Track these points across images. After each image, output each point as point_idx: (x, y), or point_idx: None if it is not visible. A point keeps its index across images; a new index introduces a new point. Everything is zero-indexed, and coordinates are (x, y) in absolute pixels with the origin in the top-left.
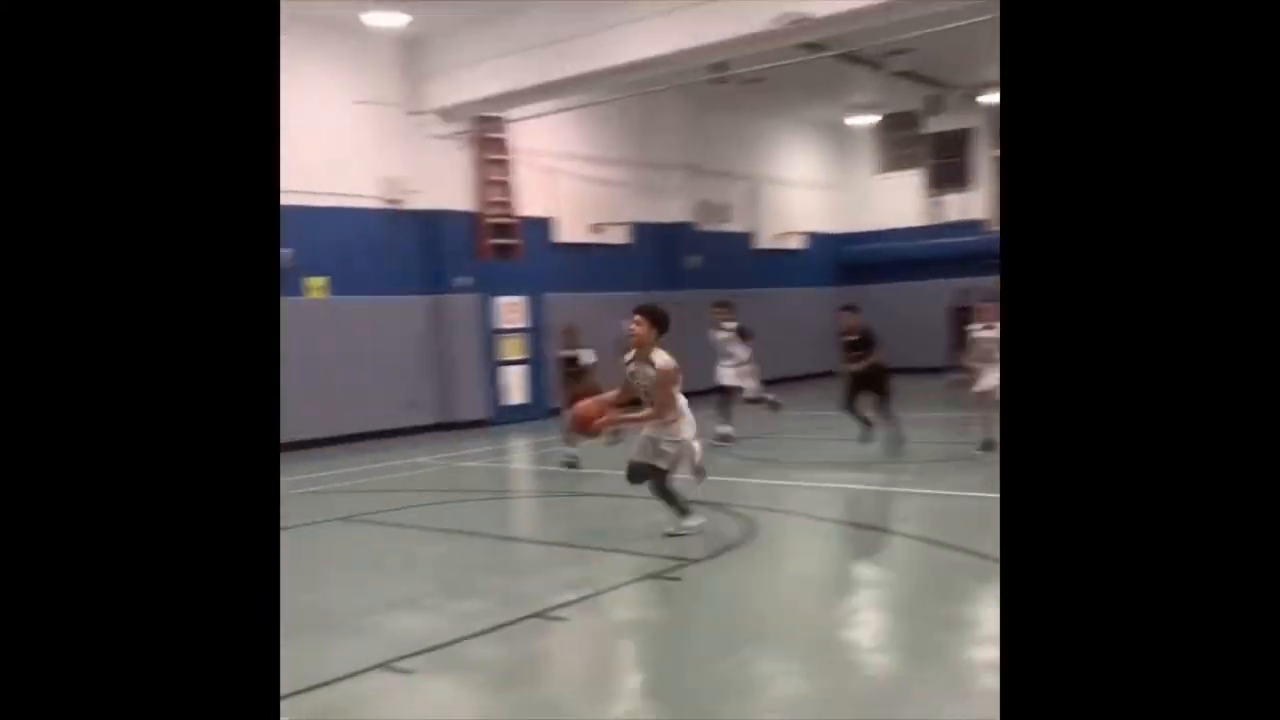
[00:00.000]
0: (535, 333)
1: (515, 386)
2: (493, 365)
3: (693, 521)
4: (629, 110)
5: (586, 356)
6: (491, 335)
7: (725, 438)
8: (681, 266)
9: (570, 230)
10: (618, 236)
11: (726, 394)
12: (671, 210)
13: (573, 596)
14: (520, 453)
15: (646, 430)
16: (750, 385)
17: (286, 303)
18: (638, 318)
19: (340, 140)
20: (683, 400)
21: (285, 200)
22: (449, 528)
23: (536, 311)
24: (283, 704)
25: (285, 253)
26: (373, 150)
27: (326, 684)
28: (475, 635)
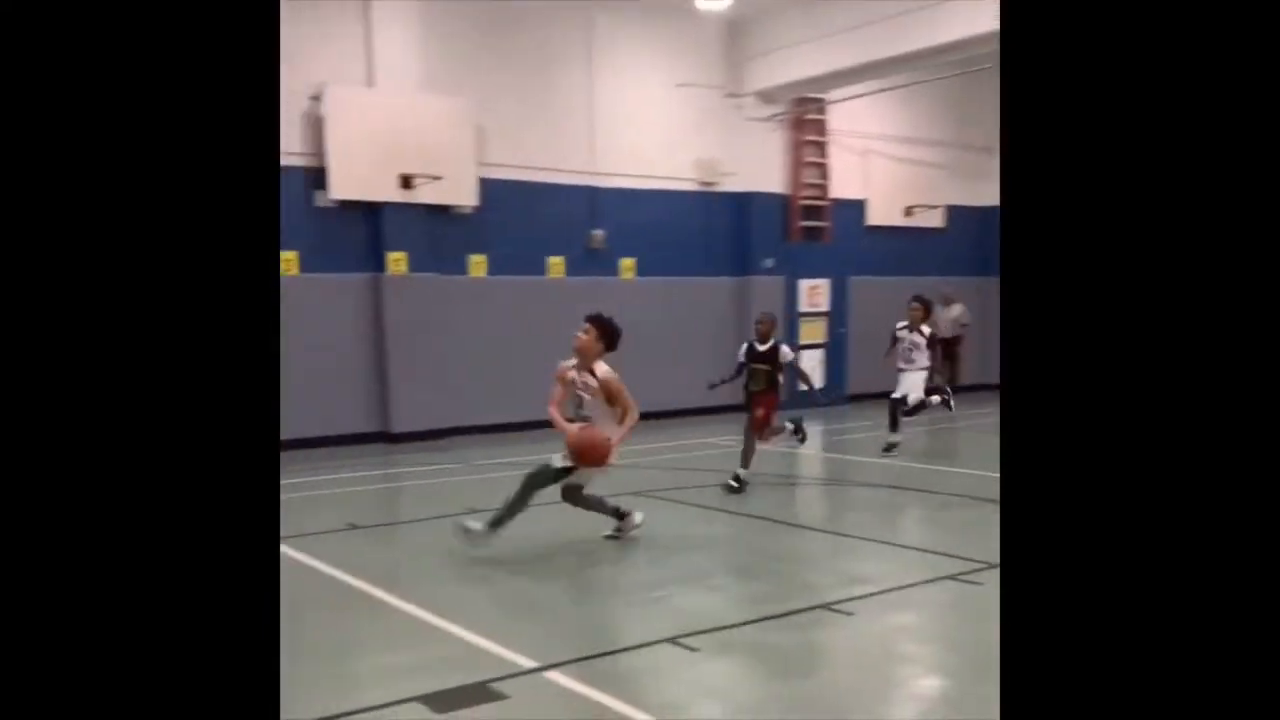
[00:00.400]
0: (837, 316)
1: (813, 370)
2: (793, 349)
3: (636, 518)
4: (949, 90)
5: (785, 353)
6: (794, 318)
7: (891, 446)
8: (998, 252)
9: (882, 213)
10: (932, 220)
11: (899, 402)
12: (990, 193)
13: (861, 591)
14: (812, 439)
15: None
16: (915, 394)
17: (598, 283)
18: (586, 326)
19: (659, 123)
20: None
21: (602, 183)
22: (736, 510)
23: (840, 295)
24: (576, 667)
25: (597, 233)
26: (690, 132)
27: (617, 652)
28: (760, 620)
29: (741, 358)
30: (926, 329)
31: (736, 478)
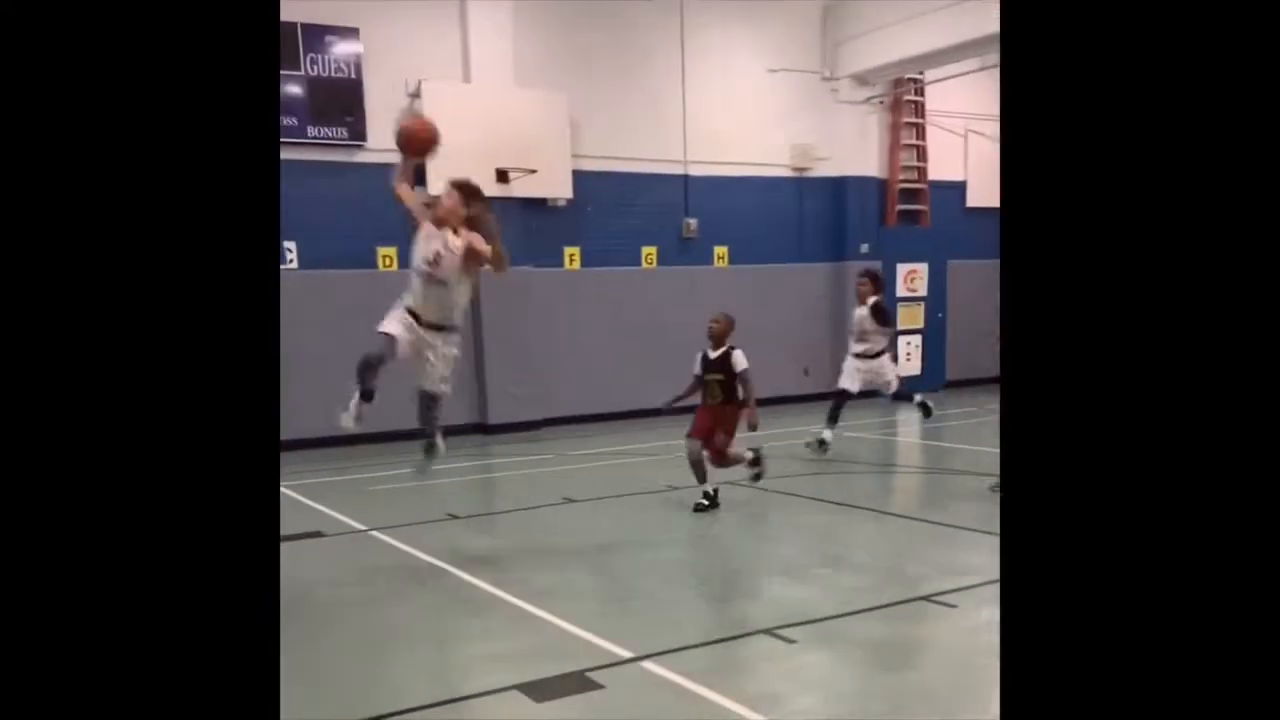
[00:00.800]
0: (936, 301)
1: (909, 357)
2: (889, 334)
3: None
4: None
5: (739, 360)
6: (891, 304)
7: (821, 443)
8: None
9: (983, 194)
10: None
11: (841, 395)
12: None
13: (964, 583)
14: (909, 426)
15: (429, 338)
16: (866, 381)
17: (692, 272)
18: (449, 189)
19: (752, 109)
20: None
21: (695, 171)
22: (832, 499)
23: (939, 279)
24: (672, 657)
25: (690, 222)
26: (783, 118)
27: (713, 643)
28: (859, 612)
29: (697, 369)
30: (872, 299)
31: (706, 494)
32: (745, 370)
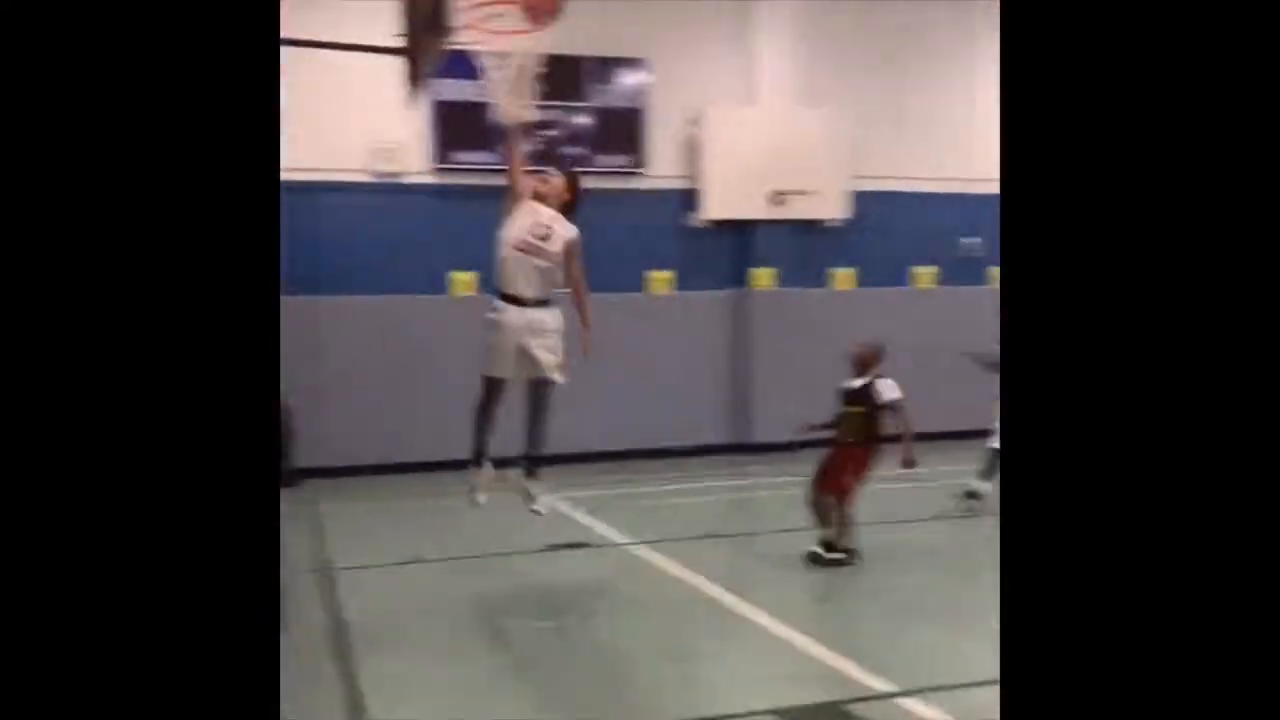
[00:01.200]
0: None
1: None
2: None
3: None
4: None
5: (887, 390)
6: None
7: (973, 494)
8: None
9: None
10: None
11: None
12: None
13: None
14: None
15: (534, 316)
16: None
17: (970, 292)
18: (561, 176)
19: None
20: None
21: (978, 189)
22: None
23: None
24: (937, 695)
25: (971, 241)
26: None
27: (983, 684)
28: None
29: (839, 401)
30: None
31: (831, 547)
32: (897, 400)
